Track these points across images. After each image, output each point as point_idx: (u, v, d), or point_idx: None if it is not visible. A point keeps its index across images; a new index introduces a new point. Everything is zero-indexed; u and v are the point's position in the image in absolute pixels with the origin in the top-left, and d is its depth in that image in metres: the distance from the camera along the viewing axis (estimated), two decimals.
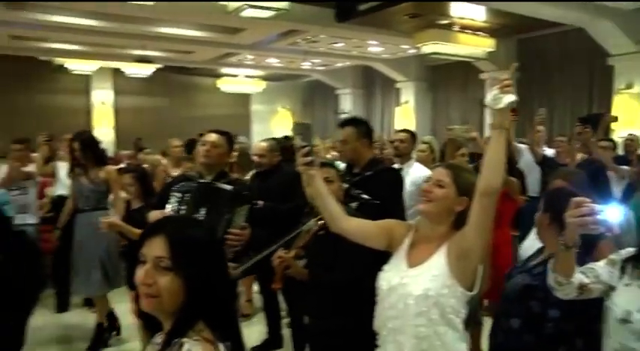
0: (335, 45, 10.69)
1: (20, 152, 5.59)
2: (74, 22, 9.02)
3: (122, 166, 7.64)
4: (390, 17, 8.22)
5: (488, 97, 1.99)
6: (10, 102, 12.93)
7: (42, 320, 4.76)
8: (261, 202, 3.68)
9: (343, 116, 14.14)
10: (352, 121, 3.61)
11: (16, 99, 13.08)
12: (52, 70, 13.35)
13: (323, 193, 2.22)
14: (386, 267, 2.16)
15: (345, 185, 2.99)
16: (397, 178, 3.54)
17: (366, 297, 2.24)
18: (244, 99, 16.39)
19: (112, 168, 4.74)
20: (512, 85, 1.95)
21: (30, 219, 5.18)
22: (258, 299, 5.13)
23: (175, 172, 6.02)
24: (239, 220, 3.05)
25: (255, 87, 15.61)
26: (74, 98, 14.24)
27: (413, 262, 2.08)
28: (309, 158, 2.19)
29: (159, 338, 1.33)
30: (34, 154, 5.84)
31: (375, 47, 10.91)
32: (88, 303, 5.01)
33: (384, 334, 2.12)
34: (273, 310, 4.68)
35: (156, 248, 1.26)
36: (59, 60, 12.69)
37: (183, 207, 3.07)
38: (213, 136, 3.24)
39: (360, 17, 8.14)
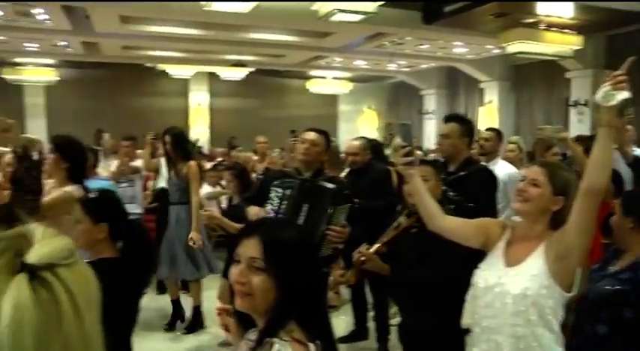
0: (420, 46, 10.66)
1: (128, 148, 6.10)
2: (176, 32, 9.58)
3: (217, 162, 8.16)
4: (476, 18, 8.12)
5: (599, 94, 1.88)
6: (120, 105, 13.94)
7: (144, 301, 5.20)
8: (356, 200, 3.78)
9: (428, 116, 14.13)
10: (457, 118, 3.63)
11: (124, 102, 14.05)
12: (154, 75, 14.20)
13: (421, 192, 2.23)
14: (482, 265, 2.14)
15: (443, 187, 2.94)
16: (491, 178, 3.49)
17: (459, 295, 2.22)
18: (332, 100, 16.65)
19: (193, 163, 4.86)
20: (626, 80, 1.84)
21: (136, 209, 5.56)
22: (345, 292, 5.24)
23: (261, 166, 6.38)
24: (340, 218, 3.06)
25: (343, 88, 15.85)
26: (173, 100, 15.06)
27: (510, 262, 2.05)
28: (410, 158, 2.21)
29: (252, 335, 1.36)
30: (139, 151, 6.39)
31: (459, 48, 10.81)
32: (185, 287, 5.32)
33: (476, 332, 2.10)
34: (360, 303, 4.75)
35: (250, 249, 1.29)
36: (161, 66, 13.46)
37: (284, 203, 3.08)
38: (311, 135, 3.27)
39: (446, 19, 8.13)
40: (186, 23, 9.13)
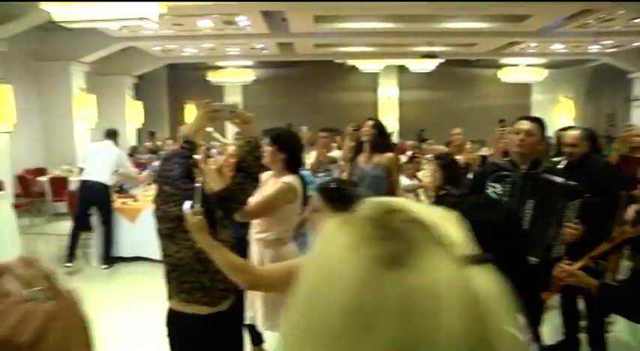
0: (634, 21, 9.46)
1: (326, 139, 6.37)
2: (366, 27, 9.80)
3: (412, 154, 8.17)
4: None
5: None
6: (310, 100, 14.78)
7: None
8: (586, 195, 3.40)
9: (637, 104, 12.61)
10: None
11: (315, 97, 14.86)
12: (344, 70, 14.74)
13: None
14: None
15: None
16: None
17: None
18: (524, 89, 15.85)
19: (391, 155, 4.77)
20: None
21: None
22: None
23: (461, 159, 6.20)
24: (571, 215, 2.85)
25: (536, 75, 14.96)
26: (363, 94, 15.47)
27: None
28: None
29: None
30: (333, 144, 6.61)
31: None
32: None
33: None
34: (571, 311, 4.35)
35: None
36: (351, 62, 13.92)
37: (505, 198, 2.91)
38: (526, 124, 3.07)
39: None
40: (376, 17, 9.26)
